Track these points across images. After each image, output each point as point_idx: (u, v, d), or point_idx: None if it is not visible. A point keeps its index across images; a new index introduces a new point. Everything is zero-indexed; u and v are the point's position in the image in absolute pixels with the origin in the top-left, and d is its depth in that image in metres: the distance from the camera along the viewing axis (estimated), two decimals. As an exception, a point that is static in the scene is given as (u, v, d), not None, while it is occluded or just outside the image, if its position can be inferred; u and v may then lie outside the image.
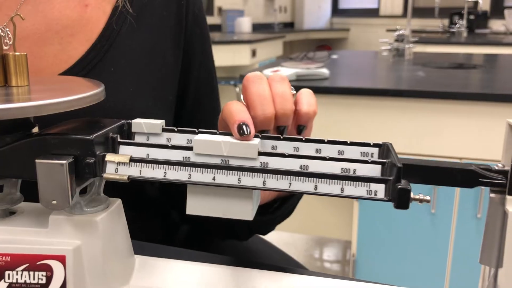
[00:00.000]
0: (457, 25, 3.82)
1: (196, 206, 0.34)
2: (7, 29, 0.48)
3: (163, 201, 0.65)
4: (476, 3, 4.42)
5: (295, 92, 0.41)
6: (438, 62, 2.22)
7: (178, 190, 0.59)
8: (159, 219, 0.65)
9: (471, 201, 1.41)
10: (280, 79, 0.40)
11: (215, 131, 0.37)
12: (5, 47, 0.48)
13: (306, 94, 0.40)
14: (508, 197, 0.32)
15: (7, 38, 0.48)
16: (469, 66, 2.16)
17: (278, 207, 0.52)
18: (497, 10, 4.74)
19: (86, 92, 0.35)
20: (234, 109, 0.36)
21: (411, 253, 1.52)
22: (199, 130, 0.37)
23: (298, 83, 1.55)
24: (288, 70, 1.59)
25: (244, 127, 0.35)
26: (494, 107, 1.38)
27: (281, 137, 0.36)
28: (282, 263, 0.65)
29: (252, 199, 0.34)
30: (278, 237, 2.21)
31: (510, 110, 1.36)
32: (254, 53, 3.63)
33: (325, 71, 1.62)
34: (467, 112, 1.40)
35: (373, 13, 5.69)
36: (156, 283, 0.40)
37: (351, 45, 5.78)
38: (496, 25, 4.46)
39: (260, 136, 0.36)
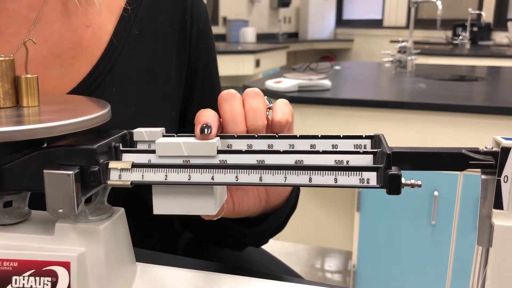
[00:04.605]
0: (460, 37, 3.84)
1: (162, 206, 0.36)
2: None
3: None
4: (479, 15, 4.45)
5: (271, 104, 0.42)
6: (440, 74, 2.23)
7: None
8: (161, 228, 0.66)
9: (471, 212, 1.42)
10: (254, 94, 0.41)
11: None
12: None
13: (280, 104, 0.41)
14: (494, 210, 0.34)
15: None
16: (471, 78, 2.17)
17: (263, 220, 0.51)
18: (501, 22, 4.76)
19: (93, 114, 0.36)
20: (202, 114, 0.38)
21: (411, 263, 1.52)
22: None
23: (300, 94, 1.57)
24: (290, 81, 1.61)
25: (206, 128, 0.36)
26: (495, 120, 1.38)
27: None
28: (280, 273, 0.66)
29: (213, 195, 0.35)
30: (280, 247, 2.22)
31: (510, 123, 1.37)
32: (258, 63, 3.65)
33: (327, 82, 1.63)
34: (468, 124, 1.41)
35: (377, 24, 5.71)
36: (156, 289, 0.41)
37: (355, 55, 5.80)
38: (499, 37, 4.47)
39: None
